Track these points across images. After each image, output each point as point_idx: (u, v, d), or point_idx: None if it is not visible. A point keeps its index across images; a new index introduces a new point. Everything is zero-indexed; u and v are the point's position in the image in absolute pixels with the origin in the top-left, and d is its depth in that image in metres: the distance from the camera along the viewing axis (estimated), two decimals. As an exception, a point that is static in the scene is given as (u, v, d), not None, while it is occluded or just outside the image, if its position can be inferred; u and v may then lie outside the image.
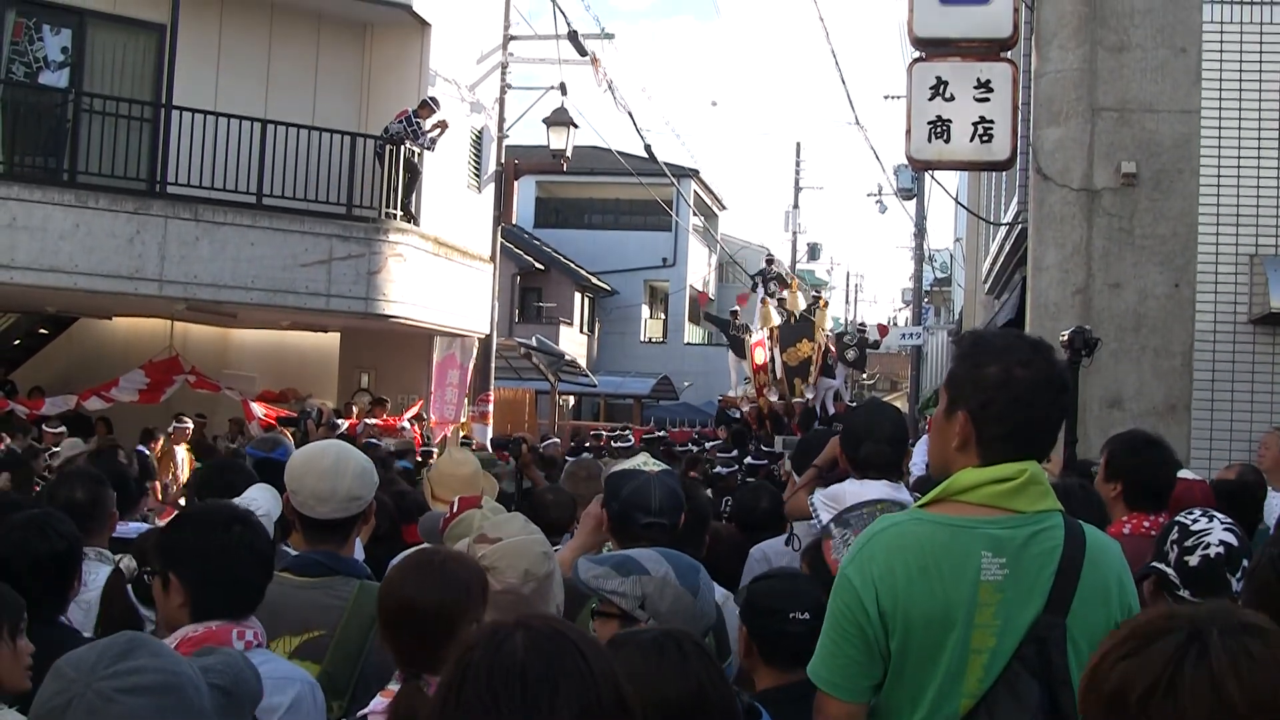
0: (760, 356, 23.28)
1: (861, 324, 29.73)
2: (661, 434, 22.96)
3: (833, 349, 24.02)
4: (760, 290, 25.29)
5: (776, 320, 23.29)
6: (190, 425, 16.56)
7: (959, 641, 2.81)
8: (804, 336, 22.98)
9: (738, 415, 24.73)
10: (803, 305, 23.70)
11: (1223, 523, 3.63)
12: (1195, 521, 3.65)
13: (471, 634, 1.87)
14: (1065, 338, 7.55)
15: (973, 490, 2.91)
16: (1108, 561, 2.95)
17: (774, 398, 23.20)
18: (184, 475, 15.48)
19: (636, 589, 3.26)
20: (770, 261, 29.29)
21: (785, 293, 24.48)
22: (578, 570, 3.39)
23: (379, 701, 3.06)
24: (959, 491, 2.93)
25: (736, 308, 27.21)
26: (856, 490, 5.22)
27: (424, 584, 3.13)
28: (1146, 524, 4.89)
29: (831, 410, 22.33)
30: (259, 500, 4.80)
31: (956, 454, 3.01)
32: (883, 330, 29.30)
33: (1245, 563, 3.52)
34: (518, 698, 1.72)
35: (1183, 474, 6.19)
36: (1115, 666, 1.77)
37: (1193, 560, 3.56)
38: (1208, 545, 3.56)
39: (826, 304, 25.19)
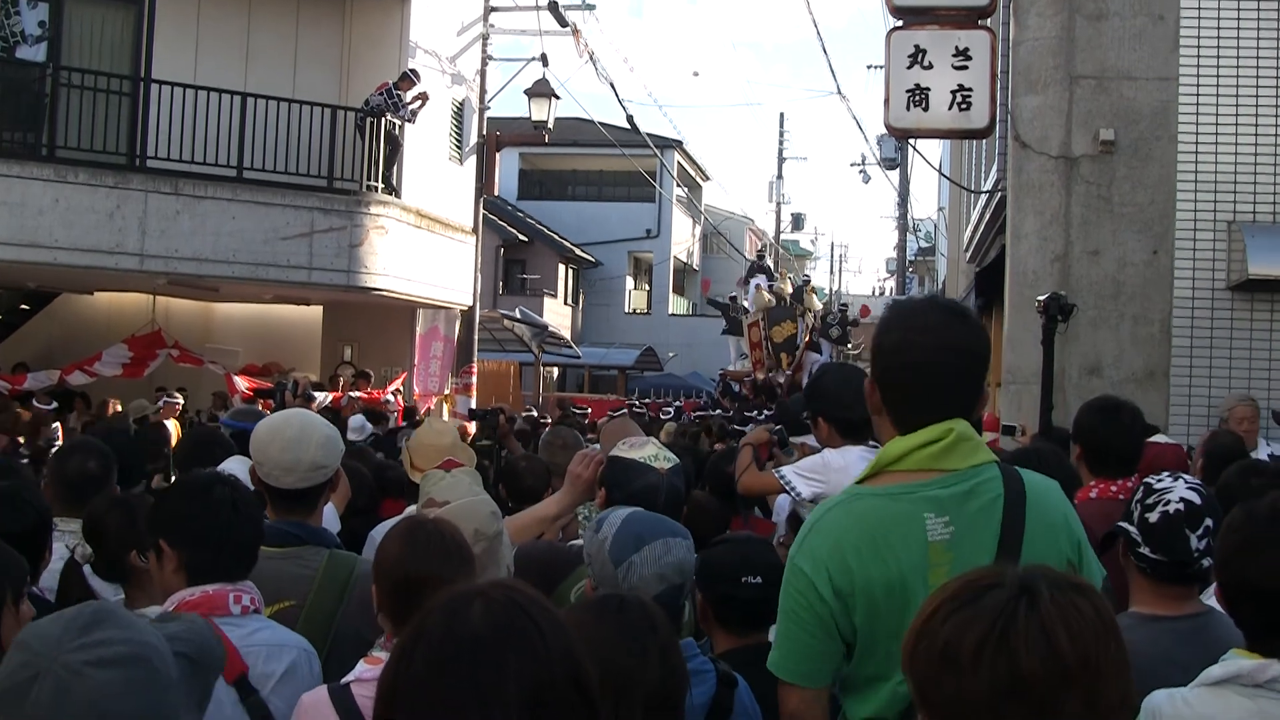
0: (756, 336, 25.98)
1: (844, 305, 32.06)
2: (677, 405, 25.61)
3: (818, 327, 26.40)
4: (754, 280, 28.20)
5: (768, 305, 26.00)
6: (180, 400, 16.53)
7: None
8: (787, 318, 25.62)
9: (738, 388, 27.34)
10: (790, 289, 26.69)
11: (1188, 483, 3.66)
12: (1160, 481, 3.69)
13: (432, 600, 1.84)
14: (1040, 303, 7.59)
15: (904, 458, 2.93)
16: (1050, 500, 2.98)
17: (767, 371, 25.78)
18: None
19: (589, 547, 3.30)
20: (761, 257, 31.87)
21: (776, 281, 27.38)
22: None
23: (365, 669, 3.04)
24: (891, 462, 2.95)
25: (735, 292, 30.00)
26: (838, 459, 5.23)
27: (426, 552, 3.13)
28: (1114, 488, 4.91)
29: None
30: (236, 472, 4.81)
31: (877, 419, 3.08)
32: (864, 311, 32.52)
33: (1208, 521, 3.55)
34: (466, 670, 1.70)
35: (1157, 438, 6.23)
36: (946, 621, 1.79)
37: (1153, 517, 3.60)
38: (1168, 502, 3.59)
39: (814, 290, 28.67)
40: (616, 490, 3.90)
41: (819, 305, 28.07)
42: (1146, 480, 3.77)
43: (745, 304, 27.94)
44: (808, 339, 25.38)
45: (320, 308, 21.57)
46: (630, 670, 2.58)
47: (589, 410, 22.43)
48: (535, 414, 20.31)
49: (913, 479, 2.90)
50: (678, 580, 3.23)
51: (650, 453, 4.03)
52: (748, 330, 26.51)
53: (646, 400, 29.37)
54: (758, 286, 27.09)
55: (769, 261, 30.84)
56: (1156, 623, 3.50)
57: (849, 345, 30.42)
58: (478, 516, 3.49)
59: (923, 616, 1.85)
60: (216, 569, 3.29)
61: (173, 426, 16.06)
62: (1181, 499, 3.59)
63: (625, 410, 19.39)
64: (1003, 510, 2.89)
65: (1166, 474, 3.79)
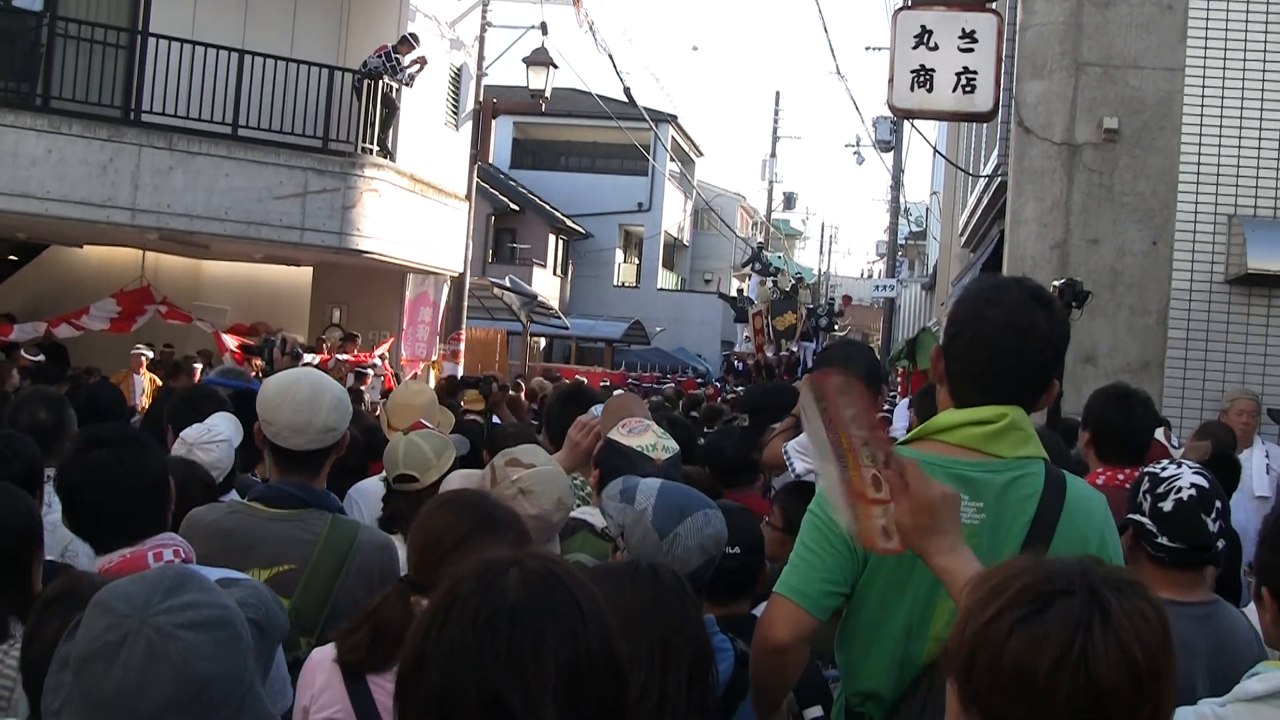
0: (759, 324, 30.57)
1: (832, 299, 37.54)
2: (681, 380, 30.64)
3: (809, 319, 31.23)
4: (754, 275, 34.47)
5: (771, 297, 30.91)
6: (146, 353, 16.39)
7: (925, 580, 2.76)
8: (789, 309, 30.50)
9: (742, 367, 33.26)
10: (789, 285, 31.69)
11: (1191, 468, 3.66)
12: (1165, 469, 3.68)
13: (464, 564, 1.79)
14: (1056, 289, 7.56)
15: (951, 430, 2.88)
16: (1088, 513, 2.89)
17: (769, 354, 30.36)
18: (144, 403, 15.36)
19: (622, 517, 3.22)
20: (761, 248, 37.90)
21: (778, 275, 32.79)
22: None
23: None
24: (938, 431, 2.91)
25: (741, 286, 36.23)
26: None
27: (457, 516, 3.07)
28: (1121, 477, 4.87)
29: (811, 365, 26.63)
30: (220, 427, 4.76)
31: (939, 389, 3.03)
32: (845, 301, 36.79)
33: (1218, 504, 3.58)
34: (503, 643, 1.66)
35: (1157, 434, 6.19)
36: (1012, 633, 1.71)
37: (1166, 505, 3.60)
38: (1179, 489, 3.60)
39: (807, 286, 35.31)
40: (611, 476, 3.82)
41: (809, 300, 33.62)
42: (1150, 470, 3.76)
43: (750, 295, 32.62)
44: (801, 329, 29.44)
45: (310, 269, 21.46)
46: (673, 633, 2.56)
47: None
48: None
49: (955, 454, 2.85)
50: (715, 553, 3.20)
51: (649, 441, 3.98)
52: (751, 318, 30.90)
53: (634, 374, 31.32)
54: (760, 282, 32.27)
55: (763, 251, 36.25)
56: (1171, 607, 3.44)
57: (836, 329, 32.83)
58: (561, 485, 3.48)
59: (979, 618, 1.76)
60: (116, 535, 3.24)
61: (145, 380, 15.97)
62: (1192, 484, 3.62)
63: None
64: (1035, 509, 2.83)
65: (1168, 462, 3.77)
